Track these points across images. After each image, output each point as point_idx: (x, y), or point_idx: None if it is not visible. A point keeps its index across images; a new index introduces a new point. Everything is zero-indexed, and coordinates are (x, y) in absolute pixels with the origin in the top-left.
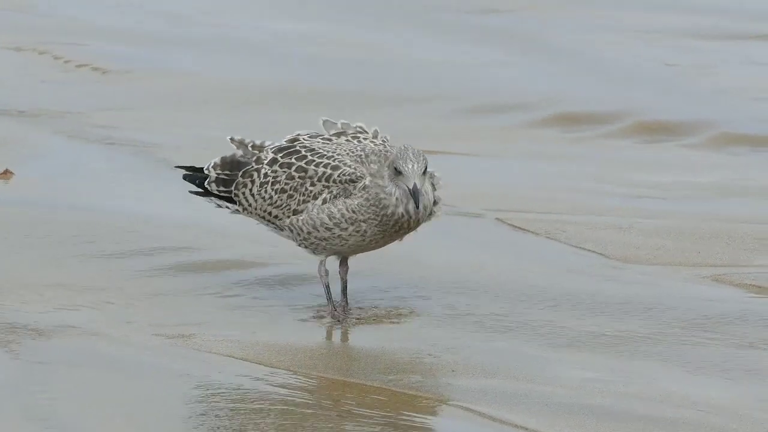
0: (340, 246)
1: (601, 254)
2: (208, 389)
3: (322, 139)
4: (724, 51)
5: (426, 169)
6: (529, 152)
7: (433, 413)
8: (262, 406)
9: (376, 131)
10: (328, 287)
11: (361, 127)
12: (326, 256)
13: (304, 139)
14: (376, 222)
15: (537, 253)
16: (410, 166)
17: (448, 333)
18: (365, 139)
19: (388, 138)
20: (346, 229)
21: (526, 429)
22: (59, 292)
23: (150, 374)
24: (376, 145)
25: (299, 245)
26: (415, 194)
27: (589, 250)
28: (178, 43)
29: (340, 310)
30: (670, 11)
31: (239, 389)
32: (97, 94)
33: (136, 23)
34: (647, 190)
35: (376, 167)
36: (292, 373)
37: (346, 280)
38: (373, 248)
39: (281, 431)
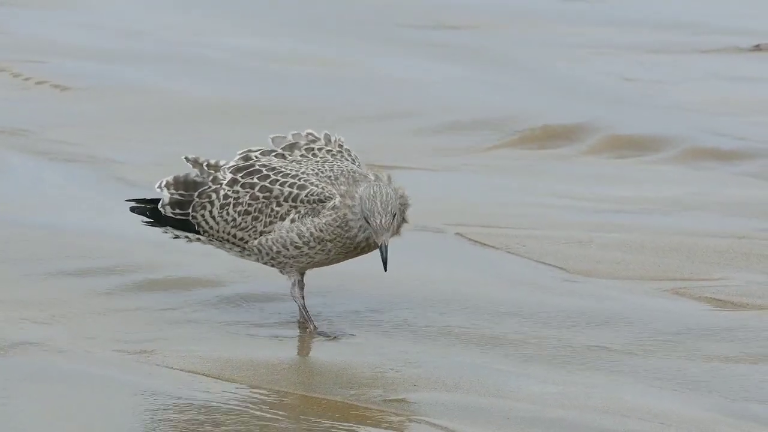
0: (306, 263)
1: (561, 268)
2: (169, 404)
3: (275, 155)
4: (682, 65)
5: (395, 214)
6: (491, 168)
7: (396, 428)
8: (224, 420)
9: (327, 135)
10: (304, 307)
11: (311, 134)
12: (297, 277)
13: (257, 156)
14: (340, 243)
15: (497, 267)
16: (378, 221)
17: (409, 348)
18: (320, 150)
19: (342, 140)
20: (314, 247)
21: None
22: (17, 309)
23: (111, 389)
24: (340, 160)
25: (265, 264)
26: (383, 253)
27: (549, 264)
28: (138, 59)
29: (323, 331)
30: (626, 26)
31: (201, 404)
32: (57, 111)
33: (95, 40)
34: (608, 204)
35: (345, 188)
36: (253, 388)
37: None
38: (336, 262)
39: None
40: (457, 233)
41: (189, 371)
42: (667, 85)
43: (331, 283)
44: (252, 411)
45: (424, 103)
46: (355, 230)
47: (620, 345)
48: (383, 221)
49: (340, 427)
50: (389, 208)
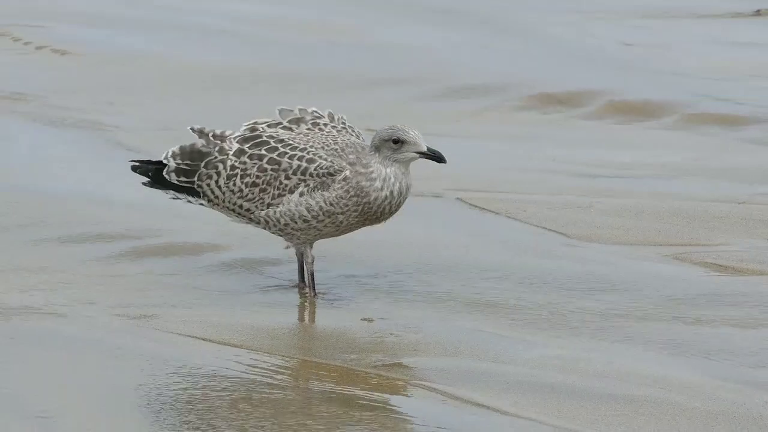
0: (313, 235)
1: (561, 233)
2: (169, 368)
3: (282, 128)
4: (680, 30)
5: None
6: (492, 133)
7: (396, 392)
8: (224, 385)
9: (331, 113)
10: (312, 275)
11: (316, 111)
12: (309, 246)
13: (263, 127)
14: (357, 212)
15: (497, 232)
16: (413, 133)
17: (409, 313)
18: (326, 125)
19: (345, 118)
20: (323, 221)
21: (488, 408)
22: (18, 275)
23: (112, 354)
24: (344, 134)
25: (273, 233)
26: (434, 152)
27: (549, 230)
28: (139, 25)
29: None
30: None
31: (200, 368)
32: (57, 77)
33: (96, 5)
34: (608, 169)
35: (353, 157)
36: (253, 352)
37: (302, 262)
38: (344, 233)
39: (242, 409)
40: (458, 198)
41: (189, 336)
42: (667, 50)
43: (331, 248)
44: (252, 375)
45: (424, 69)
46: (375, 192)
47: (620, 310)
48: (417, 133)
49: (340, 390)
50: (410, 126)
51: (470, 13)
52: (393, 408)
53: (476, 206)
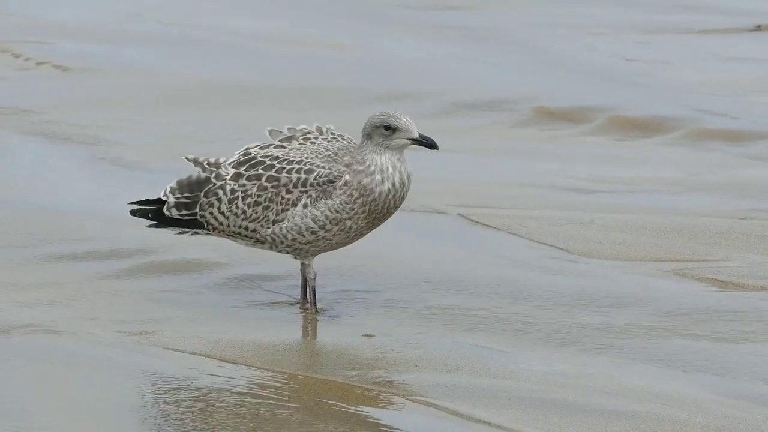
0: (323, 247)
1: (562, 249)
2: (169, 384)
3: (274, 147)
4: (681, 46)
5: None
6: (493, 149)
7: (397, 409)
8: (224, 401)
9: (319, 127)
10: (314, 290)
11: (305, 127)
12: (311, 259)
13: (256, 150)
14: (364, 213)
15: (498, 248)
16: (405, 120)
17: (411, 328)
18: (316, 138)
19: (333, 128)
20: (330, 230)
21: (490, 424)
22: (18, 292)
23: (112, 370)
24: (334, 142)
25: (279, 252)
26: (426, 138)
27: (550, 245)
28: (140, 41)
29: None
30: (625, 6)
31: (202, 385)
32: (58, 92)
33: (97, 21)
34: (609, 185)
35: (348, 158)
36: (254, 368)
37: (305, 278)
38: (355, 240)
39: (242, 426)
40: (459, 214)
41: (189, 352)
42: (667, 65)
43: (331, 263)
44: (253, 391)
45: (425, 84)
46: (378, 187)
47: (621, 326)
48: (409, 119)
49: (342, 407)
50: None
51: (471, 29)
52: (394, 424)
53: (477, 222)
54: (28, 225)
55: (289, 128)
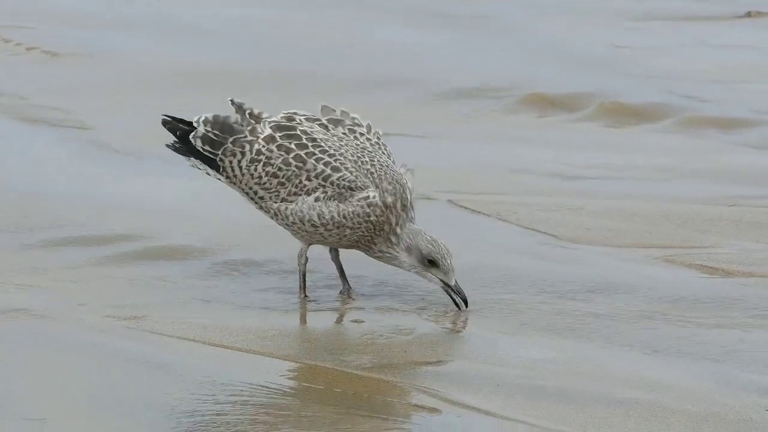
0: (316, 240)
1: (551, 235)
2: (157, 370)
3: (320, 125)
4: (671, 33)
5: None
6: (484, 136)
7: (386, 394)
8: (211, 387)
9: (369, 125)
10: (304, 276)
11: (356, 118)
12: (306, 246)
13: (302, 119)
14: (360, 233)
15: (487, 234)
16: (449, 262)
17: (400, 314)
18: (361, 135)
19: (381, 133)
20: (330, 230)
21: (479, 410)
22: (7, 277)
23: (102, 355)
24: (380, 153)
25: (279, 224)
26: (460, 291)
27: (540, 232)
28: (128, 26)
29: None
30: None
31: (190, 370)
32: (46, 78)
33: (85, 7)
34: (599, 171)
35: (390, 199)
36: (242, 353)
37: (340, 264)
38: (346, 247)
39: (229, 412)
40: (449, 200)
41: (179, 337)
42: (658, 52)
43: (321, 249)
44: (242, 377)
45: (416, 70)
46: (380, 241)
47: (611, 312)
48: (452, 262)
49: (331, 392)
50: (450, 249)
51: (462, 15)
52: (383, 410)
53: (467, 208)
54: (14, 210)
55: (342, 111)
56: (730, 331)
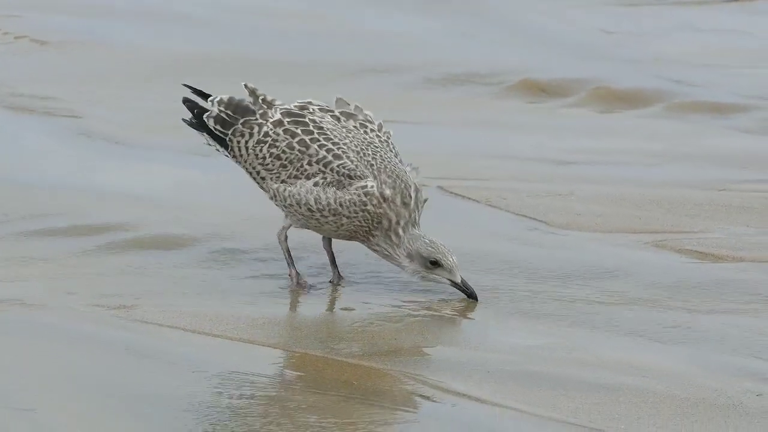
0: (312, 226)
1: (541, 221)
2: (146, 358)
3: (331, 116)
4: (658, 17)
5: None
6: (473, 122)
7: (376, 381)
8: (201, 375)
9: (380, 124)
10: (288, 252)
11: (369, 116)
12: (290, 224)
13: (314, 109)
14: (357, 224)
15: (477, 220)
16: (452, 259)
17: (389, 301)
18: (372, 131)
19: (391, 134)
20: (326, 217)
21: (469, 397)
22: None
23: (91, 344)
24: (387, 150)
25: (277, 206)
26: (467, 287)
27: (529, 217)
28: (119, 14)
29: (303, 281)
30: None
31: (180, 358)
32: (36, 66)
33: None
34: (589, 156)
35: (388, 192)
36: (232, 341)
37: (332, 252)
38: (342, 237)
39: (218, 400)
40: (439, 186)
41: (169, 326)
42: (646, 37)
43: (309, 237)
44: (231, 365)
45: (406, 57)
46: (379, 235)
47: (600, 298)
48: (455, 259)
49: (321, 380)
50: (450, 248)
51: (451, 2)
52: (373, 398)
53: (457, 194)
54: (3, 200)
55: (356, 106)
56: (720, 316)
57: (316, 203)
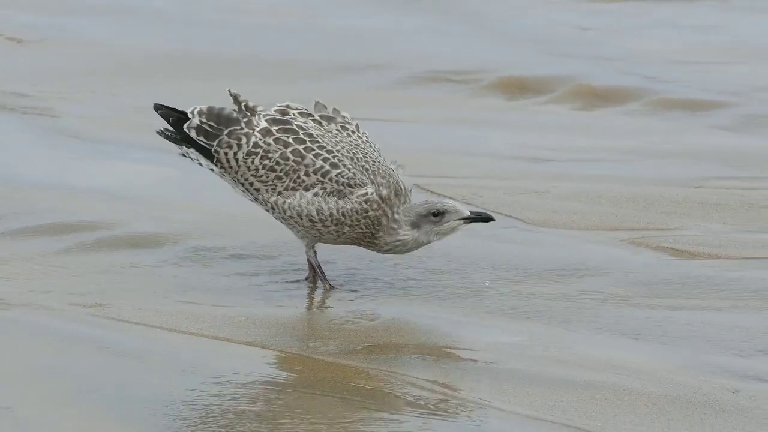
0: (312, 236)
1: (517, 218)
2: (124, 356)
3: (313, 120)
4: (636, 14)
5: None
6: (451, 119)
7: (352, 379)
8: (179, 373)
9: (357, 125)
10: (320, 267)
11: (347, 117)
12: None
13: (296, 114)
14: (360, 231)
15: None
16: (451, 203)
17: (367, 299)
18: (353, 132)
19: (368, 133)
20: (328, 226)
21: (445, 394)
22: None
23: (67, 342)
24: (371, 150)
25: (275, 218)
26: (479, 213)
27: (505, 215)
28: (94, 12)
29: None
30: None
31: (156, 356)
32: (11, 64)
33: None
34: (566, 154)
35: (385, 192)
36: (210, 340)
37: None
38: (340, 243)
39: (194, 400)
40: (415, 184)
41: (145, 325)
42: (623, 34)
43: (287, 234)
44: (209, 363)
45: (384, 55)
46: (383, 234)
47: (577, 295)
48: (451, 202)
49: (297, 378)
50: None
51: (428, 0)
52: (349, 395)
53: (433, 192)
54: None
55: (334, 109)
56: (696, 313)
57: (318, 214)
